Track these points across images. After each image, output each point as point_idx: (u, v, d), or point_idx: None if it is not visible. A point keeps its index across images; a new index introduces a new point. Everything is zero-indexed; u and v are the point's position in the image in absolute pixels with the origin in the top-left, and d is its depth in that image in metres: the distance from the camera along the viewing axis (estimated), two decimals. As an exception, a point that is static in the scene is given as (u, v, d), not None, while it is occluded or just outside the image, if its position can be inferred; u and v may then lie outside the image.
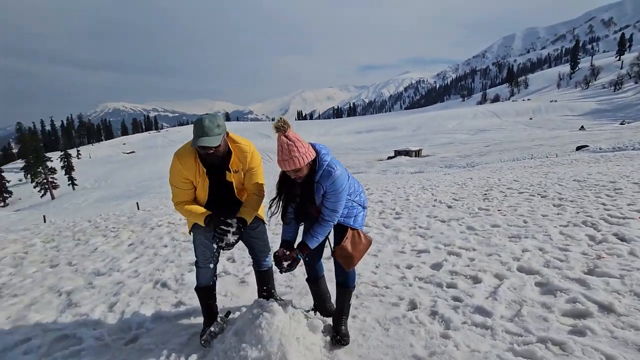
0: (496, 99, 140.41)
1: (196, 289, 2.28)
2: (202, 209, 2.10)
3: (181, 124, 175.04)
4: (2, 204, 51.50)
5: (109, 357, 2.08)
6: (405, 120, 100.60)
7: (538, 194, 6.20)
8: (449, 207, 5.82)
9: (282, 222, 2.09)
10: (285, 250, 1.96)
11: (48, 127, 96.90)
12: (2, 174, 53.19)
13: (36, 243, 5.89)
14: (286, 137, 1.75)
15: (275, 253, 1.98)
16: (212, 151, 1.91)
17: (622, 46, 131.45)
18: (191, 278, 3.20)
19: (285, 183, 2.00)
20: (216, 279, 2.35)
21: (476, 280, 2.70)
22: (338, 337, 2.06)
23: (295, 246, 2.05)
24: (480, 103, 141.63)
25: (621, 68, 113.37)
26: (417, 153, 44.14)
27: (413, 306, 2.41)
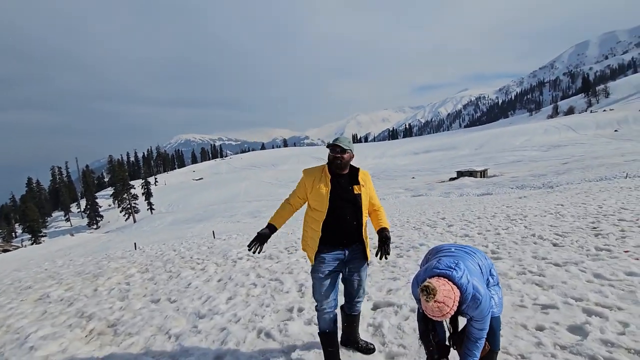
0: (570, 111, 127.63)
1: (321, 332, 2.49)
2: (277, 219, 2.51)
3: (243, 152, 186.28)
4: (95, 226, 58.52)
5: None
6: (465, 138, 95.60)
7: (669, 230, 5.20)
8: (555, 245, 5.12)
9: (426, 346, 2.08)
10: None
11: (132, 158, 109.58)
12: (96, 200, 60.79)
13: (134, 274, 6.36)
14: (436, 302, 1.72)
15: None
16: (339, 154, 2.40)
17: None
18: (294, 328, 3.09)
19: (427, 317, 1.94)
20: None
21: (647, 357, 2.19)
22: None
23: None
24: (551, 117, 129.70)
25: None
26: (483, 173, 41.25)
27: (572, 389, 2.00)
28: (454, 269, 1.85)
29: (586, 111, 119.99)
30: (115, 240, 30.79)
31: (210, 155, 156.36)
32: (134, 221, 56.17)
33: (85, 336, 3.63)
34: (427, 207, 17.17)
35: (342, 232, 2.43)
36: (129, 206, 58.59)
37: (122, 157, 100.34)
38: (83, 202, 67.81)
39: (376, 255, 2.34)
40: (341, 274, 2.54)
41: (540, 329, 2.72)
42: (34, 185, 76.87)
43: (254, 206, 42.30)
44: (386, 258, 2.35)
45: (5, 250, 37.45)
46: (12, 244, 45.33)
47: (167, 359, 2.89)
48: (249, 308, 3.79)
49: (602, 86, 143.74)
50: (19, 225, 61.72)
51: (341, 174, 2.47)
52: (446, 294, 1.73)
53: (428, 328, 2.03)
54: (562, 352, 2.36)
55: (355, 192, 2.47)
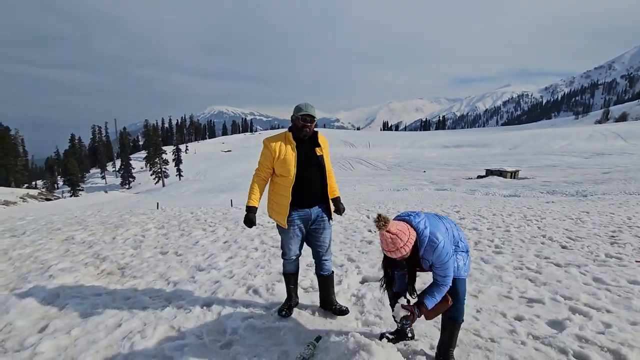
0: (622, 118, 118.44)
1: (283, 273, 2.84)
2: (256, 200, 2.58)
3: (273, 128, 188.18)
4: (127, 186, 61.79)
5: (207, 359, 2.18)
6: (500, 137, 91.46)
7: (693, 246, 4.89)
8: (564, 247, 4.96)
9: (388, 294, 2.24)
10: (407, 300, 2.07)
11: (167, 125, 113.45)
12: (130, 161, 63.89)
13: (150, 228, 6.78)
14: (388, 232, 1.84)
15: (396, 304, 2.03)
16: (309, 123, 2.49)
17: None
18: (281, 289, 3.26)
19: (390, 262, 2.09)
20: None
21: (618, 356, 2.16)
22: None
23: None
24: (599, 122, 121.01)
25: None
26: (513, 174, 39.56)
27: (530, 373, 2.03)
28: (413, 216, 1.99)
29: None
30: (144, 201, 32.47)
31: (241, 128, 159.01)
32: (163, 185, 58.77)
33: (97, 274, 3.99)
34: (448, 201, 16.84)
35: (310, 194, 2.59)
36: (159, 170, 61.23)
37: (157, 123, 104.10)
38: (118, 162, 71.49)
39: (335, 213, 2.80)
40: (306, 232, 2.71)
41: (519, 319, 2.72)
42: (76, 142, 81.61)
43: (276, 183, 42.95)
44: (339, 213, 2.81)
45: (47, 199, 40.50)
46: (54, 194, 48.93)
47: (162, 300, 3.14)
48: (244, 267, 4.01)
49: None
50: (60, 177, 66.24)
51: (303, 139, 2.58)
52: (400, 228, 1.85)
53: (388, 274, 2.14)
54: (533, 341, 2.38)
55: (318, 153, 2.61)
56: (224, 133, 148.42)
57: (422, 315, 2.00)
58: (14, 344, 2.39)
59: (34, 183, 62.15)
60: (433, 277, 2.01)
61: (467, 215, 8.46)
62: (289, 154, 2.51)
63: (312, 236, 2.71)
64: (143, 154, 73.39)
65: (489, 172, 41.55)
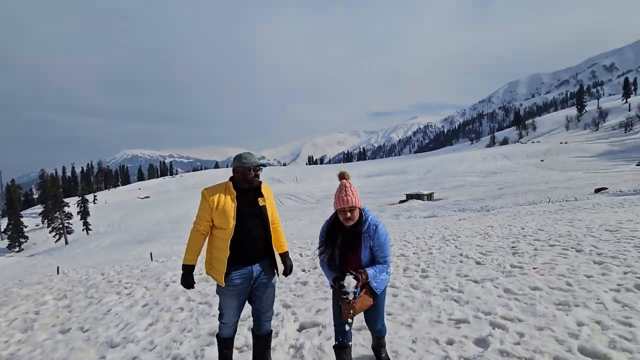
0: (505, 142, 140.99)
1: (218, 337, 2.54)
2: (194, 257, 2.41)
3: (195, 169, 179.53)
4: (17, 249, 51.93)
5: None
6: (415, 163, 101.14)
7: (572, 248, 5.83)
8: (478, 263, 5.49)
9: (321, 267, 2.41)
10: (355, 275, 2.14)
11: (69, 174, 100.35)
12: (21, 219, 54.27)
13: (48, 301, 5.72)
14: (347, 181, 2.24)
15: (340, 281, 2.13)
16: (259, 172, 2.44)
17: (628, 89, 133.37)
18: (210, 353, 2.94)
19: (334, 230, 2.31)
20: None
21: (533, 364, 2.38)
22: None
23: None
24: (489, 146, 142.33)
25: (629, 110, 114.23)
26: (429, 197, 43.66)
27: (466, 399, 2.10)
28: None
29: (518, 142, 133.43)
30: (41, 265, 27.51)
31: (159, 172, 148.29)
32: (66, 242, 50.79)
33: (-32, 375, 3.15)
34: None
35: (252, 248, 2.42)
36: (60, 226, 53.06)
37: (56, 172, 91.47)
38: (4, 221, 60.17)
39: (283, 274, 2.62)
40: (248, 290, 2.49)
41: (450, 342, 2.86)
42: (-56, 201, 66.99)
43: (203, 227, 40.35)
44: (287, 273, 2.69)
45: None
46: None
47: (61, 396, 2.58)
48: (168, 334, 3.55)
49: (530, 120, 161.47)
50: None
51: (246, 189, 2.47)
52: (355, 191, 2.21)
53: (327, 240, 2.33)
54: (465, 364, 2.50)
55: (260, 204, 2.49)
56: (140, 178, 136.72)
57: (356, 306, 2.14)
58: None
59: None
60: (375, 260, 2.29)
61: (394, 242, 8.92)
62: (228, 204, 2.36)
63: (254, 295, 2.51)
64: (39, 209, 63.28)
65: (409, 197, 45.10)
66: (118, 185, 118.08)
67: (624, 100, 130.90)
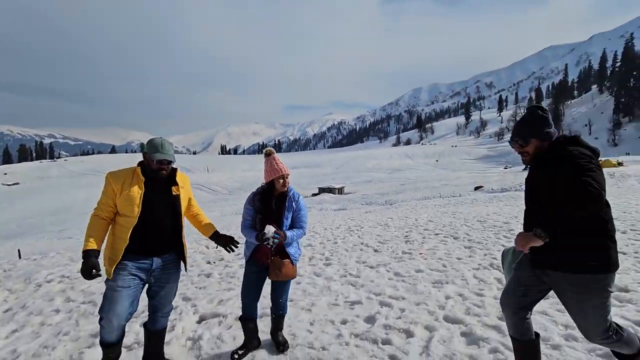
0: (408, 142, 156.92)
1: (101, 343, 2.20)
2: (94, 242, 2.11)
3: (85, 154, 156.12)
4: None
5: None
6: (328, 158, 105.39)
7: (451, 236, 6.84)
8: (376, 250, 6.04)
9: (242, 230, 2.57)
10: (275, 225, 2.41)
11: None
12: None
13: None
14: (275, 157, 2.57)
15: (264, 232, 2.32)
16: (166, 165, 2.23)
17: (501, 105, 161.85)
18: (92, 356, 2.65)
19: (263, 197, 2.59)
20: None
21: (409, 334, 2.75)
22: (281, 347, 2.64)
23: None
24: (395, 145, 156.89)
25: (501, 122, 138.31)
26: (340, 190, 46.05)
27: (352, 370, 2.32)
28: None
29: (419, 143, 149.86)
30: None
31: (35, 154, 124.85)
32: None
33: None
34: (287, 220, 17.89)
35: (155, 240, 2.24)
36: None
37: None
38: None
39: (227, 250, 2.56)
40: (146, 284, 2.31)
41: (344, 322, 3.10)
42: None
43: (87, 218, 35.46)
44: (233, 250, 2.57)
45: None
46: None
47: None
48: (37, 340, 3.06)
49: (429, 125, 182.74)
50: None
51: (157, 176, 2.28)
52: (283, 162, 2.57)
53: (254, 205, 2.58)
54: (354, 339, 2.75)
55: (174, 193, 2.32)
56: (8, 161, 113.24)
57: (277, 268, 2.46)
58: None
59: None
60: (294, 226, 2.59)
61: (303, 233, 9.20)
62: (134, 190, 2.17)
63: (152, 290, 2.33)
64: None
65: (321, 190, 46.88)
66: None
67: (498, 114, 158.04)
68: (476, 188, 29.69)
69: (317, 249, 6.48)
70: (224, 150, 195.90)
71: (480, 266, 4.49)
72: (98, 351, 2.77)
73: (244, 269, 2.68)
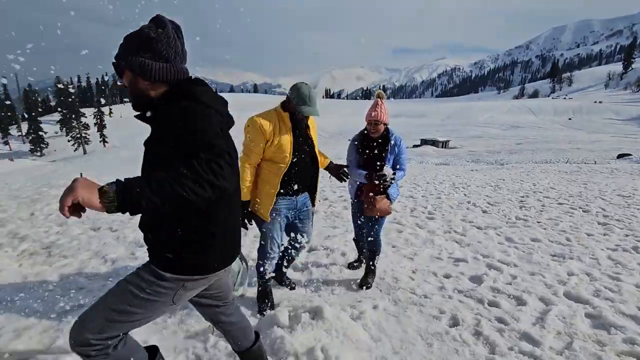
0: (535, 95, 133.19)
1: (261, 274, 2.47)
2: (246, 193, 2.23)
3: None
4: (39, 153, 54.25)
5: (158, 337, 2.16)
6: (435, 108, 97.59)
7: (580, 208, 5.90)
8: (484, 212, 5.65)
9: (350, 170, 2.75)
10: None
11: (84, 84, 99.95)
12: (41, 125, 55.70)
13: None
14: (381, 101, 2.68)
15: (382, 172, 2.54)
16: (306, 118, 2.29)
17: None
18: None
19: (364, 139, 2.78)
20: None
21: (520, 301, 2.62)
22: (367, 285, 2.86)
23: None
24: (516, 97, 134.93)
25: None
26: (445, 144, 42.93)
27: (455, 322, 2.37)
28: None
29: (549, 96, 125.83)
30: (62, 171, 28.97)
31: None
32: (84, 152, 52.80)
33: (17, 255, 3.58)
34: (385, 169, 17.79)
35: (300, 182, 2.31)
36: (78, 135, 54.59)
37: (71, 80, 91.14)
38: (25, 126, 61.96)
39: (340, 180, 2.59)
40: (288, 222, 2.47)
41: (447, 276, 3.11)
42: (-34, 99, 68.38)
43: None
44: (345, 179, 2.60)
45: None
46: (-59, 162, 41.13)
47: (100, 280, 2.97)
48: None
49: (568, 74, 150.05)
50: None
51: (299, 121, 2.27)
52: (385, 110, 2.65)
53: (359, 146, 2.78)
54: (458, 294, 2.76)
55: (310, 135, 2.36)
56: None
57: (378, 206, 2.66)
58: None
59: None
60: (399, 169, 2.72)
61: (404, 184, 9.09)
62: (285, 138, 2.18)
63: (295, 226, 2.49)
64: (56, 116, 64.49)
65: (424, 142, 44.48)
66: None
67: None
68: (620, 156, 24.21)
69: (419, 202, 6.39)
70: (327, 94, 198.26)
71: (618, 247, 3.83)
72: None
73: (348, 209, 3.01)
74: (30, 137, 55.25)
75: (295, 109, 2.17)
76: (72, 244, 3.85)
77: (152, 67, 1.17)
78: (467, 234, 4.36)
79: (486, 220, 5.02)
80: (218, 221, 1.28)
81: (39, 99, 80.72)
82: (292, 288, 2.83)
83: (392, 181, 2.58)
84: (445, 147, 41.96)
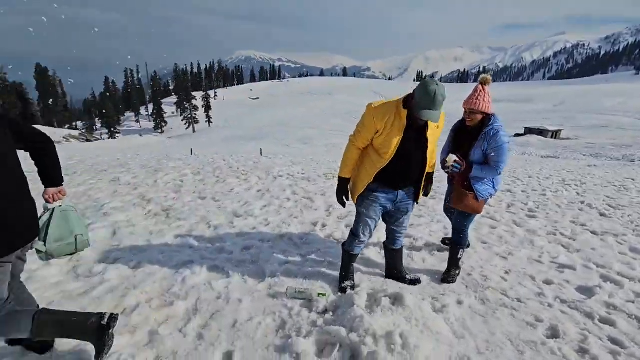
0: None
1: (348, 252, 2.56)
2: (349, 170, 2.33)
3: (301, 75, 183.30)
4: (160, 130, 63.81)
5: (250, 299, 2.43)
6: (545, 92, 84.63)
7: None
8: (603, 215, 4.80)
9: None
10: (458, 155, 2.47)
11: (195, 70, 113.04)
12: (162, 106, 65.20)
13: (188, 174, 7.13)
14: (482, 87, 2.43)
15: (447, 159, 2.43)
16: (423, 120, 2.06)
17: None
18: (313, 238, 3.45)
19: (459, 126, 2.69)
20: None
21: (646, 324, 2.20)
22: (449, 279, 2.72)
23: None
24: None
25: None
26: (555, 134, 37.14)
27: (554, 334, 2.12)
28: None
29: None
30: (177, 146, 33.69)
31: (269, 75, 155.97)
32: (194, 131, 60.24)
33: (145, 214, 4.34)
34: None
35: (402, 179, 2.27)
36: (190, 116, 62.39)
37: (186, 67, 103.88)
38: (150, 107, 73.25)
39: (424, 195, 2.53)
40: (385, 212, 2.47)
41: (548, 282, 2.77)
42: (111, 84, 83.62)
43: (305, 133, 42.94)
44: (426, 195, 2.53)
45: (87, 140, 42.87)
46: (94, 135, 51.60)
47: (206, 242, 3.43)
48: (279, 216, 4.23)
49: None
50: (98, 119, 69.13)
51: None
52: (486, 98, 2.41)
53: (452, 131, 2.73)
54: (560, 304, 2.44)
55: (428, 136, 2.19)
56: (252, 80, 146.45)
57: (459, 197, 2.60)
58: (85, 271, 2.75)
59: (74, 124, 65.45)
60: (487, 163, 2.49)
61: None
62: (394, 134, 2.10)
63: (394, 217, 2.48)
64: (174, 99, 74.49)
65: (528, 131, 39.24)
66: (234, 84, 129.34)
67: None
68: None
69: (518, 197, 5.74)
70: (419, 77, 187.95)
71: None
72: (317, 235, 3.59)
73: (436, 199, 2.98)
74: (154, 117, 65.26)
75: (415, 107, 2.01)
76: (184, 209, 4.50)
77: None
78: (578, 238, 3.78)
79: (604, 225, 4.26)
80: None
81: (162, 84, 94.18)
82: (416, 281, 2.70)
83: (454, 170, 2.42)
84: (555, 138, 36.37)
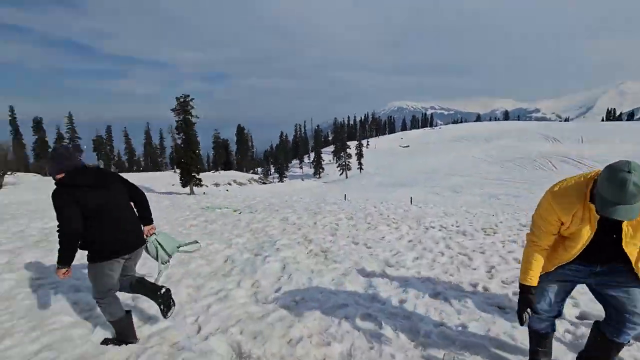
0: None
1: (530, 329, 2.10)
2: (535, 277, 1.86)
3: (455, 122, 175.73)
4: (318, 176, 71.88)
5: (403, 356, 2.35)
6: None
7: None
8: None
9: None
10: None
11: (351, 122, 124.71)
12: (321, 154, 73.91)
13: (342, 218, 7.68)
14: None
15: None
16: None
17: None
18: (472, 304, 3.09)
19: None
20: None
21: None
22: None
23: None
24: None
25: None
26: None
27: None
28: None
29: None
30: (332, 191, 36.99)
31: (420, 123, 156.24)
32: (346, 177, 65.09)
33: (307, 253, 4.89)
34: None
35: (591, 260, 1.83)
36: (344, 163, 68.15)
37: (343, 120, 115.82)
38: (312, 155, 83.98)
39: None
40: (586, 285, 1.98)
41: None
42: (284, 137, 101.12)
43: (456, 181, 40.14)
44: None
45: (263, 183, 52.30)
46: (268, 179, 62.75)
47: (359, 287, 3.56)
48: (432, 271, 4.00)
49: None
50: (272, 166, 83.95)
51: None
52: None
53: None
54: None
55: (625, 230, 1.67)
56: (404, 128, 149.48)
57: None
58: (262, 297, 3.28)
59: (256, 169, 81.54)
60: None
61: None
62: (584, 231, 1.71)
63: (604, 296, 1.87)
64: (331, 148, 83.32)
65: None
66: (385, 134, 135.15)
67: None
68: None
69: None
70: (610, 115, 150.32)
71: None
72: (477, 299, 3.20)
73: None
74: (314, 164, 74.37)
75: (595, 200, 1.57)
76: (340, 252, 4.83)
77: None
78: None
79: None
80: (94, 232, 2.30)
81: (323, 135, 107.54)
82: None
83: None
84: None
